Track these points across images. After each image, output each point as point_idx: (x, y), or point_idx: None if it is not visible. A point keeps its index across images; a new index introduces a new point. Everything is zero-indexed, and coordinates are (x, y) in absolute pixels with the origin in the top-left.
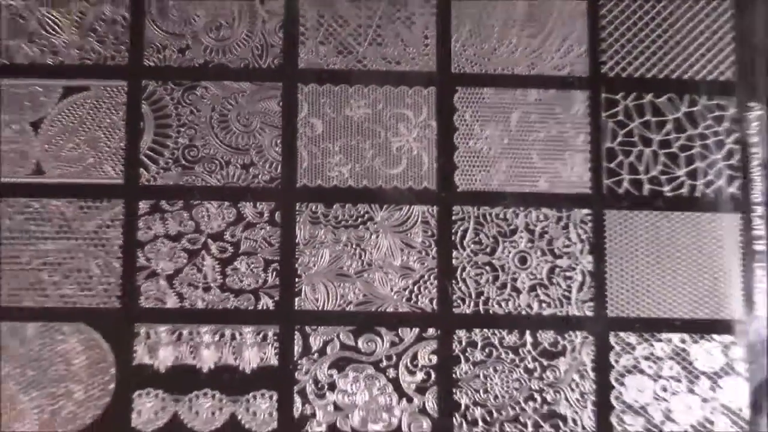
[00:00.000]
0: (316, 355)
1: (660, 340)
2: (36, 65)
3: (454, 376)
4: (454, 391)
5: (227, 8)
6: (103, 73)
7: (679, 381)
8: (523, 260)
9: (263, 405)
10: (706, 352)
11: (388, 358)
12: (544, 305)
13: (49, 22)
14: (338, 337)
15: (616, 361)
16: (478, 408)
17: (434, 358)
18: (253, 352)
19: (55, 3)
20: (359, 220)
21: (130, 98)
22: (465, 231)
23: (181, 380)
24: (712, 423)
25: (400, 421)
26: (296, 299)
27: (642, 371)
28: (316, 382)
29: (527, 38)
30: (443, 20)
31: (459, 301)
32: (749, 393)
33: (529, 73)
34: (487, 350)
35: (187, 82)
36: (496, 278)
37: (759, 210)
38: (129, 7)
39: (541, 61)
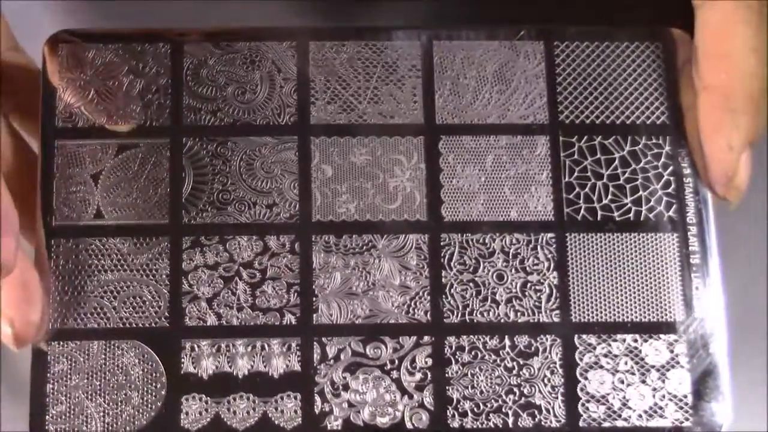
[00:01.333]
0: (332, 361)
1: (616, 340)
2: (94, 127)
3: (446, 375)
4: (447, 388)
5: (251, 77)
6: (150, 132)
7: (633, 374)
8: (500, 277)
9: (289, 404)
10: (654, 349)
11: (392, 361)
12: (519, 314)
13: (105, 92)
14: (350, 345)
15: (580, 359)
16: (468, 401)
17: (430, 361)
18: (280, 360)
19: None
20: (364, 247)
21: (172, 153)
22: (451, 254)
23: (221, 385)
24: (661, 408)
25: (402, 414)
26: (314, 315)
27: (602, 367)
28: (332, 383)
29: (497, 94)
30: (428, 82)
31: (448, 312)
32: (691, 383)
33: (499, 122)
34: (473, 353)
35: (220, 138)
36: (478, 293)
37: (693, 229)
38: (170, 78)
39: (509, 112)
